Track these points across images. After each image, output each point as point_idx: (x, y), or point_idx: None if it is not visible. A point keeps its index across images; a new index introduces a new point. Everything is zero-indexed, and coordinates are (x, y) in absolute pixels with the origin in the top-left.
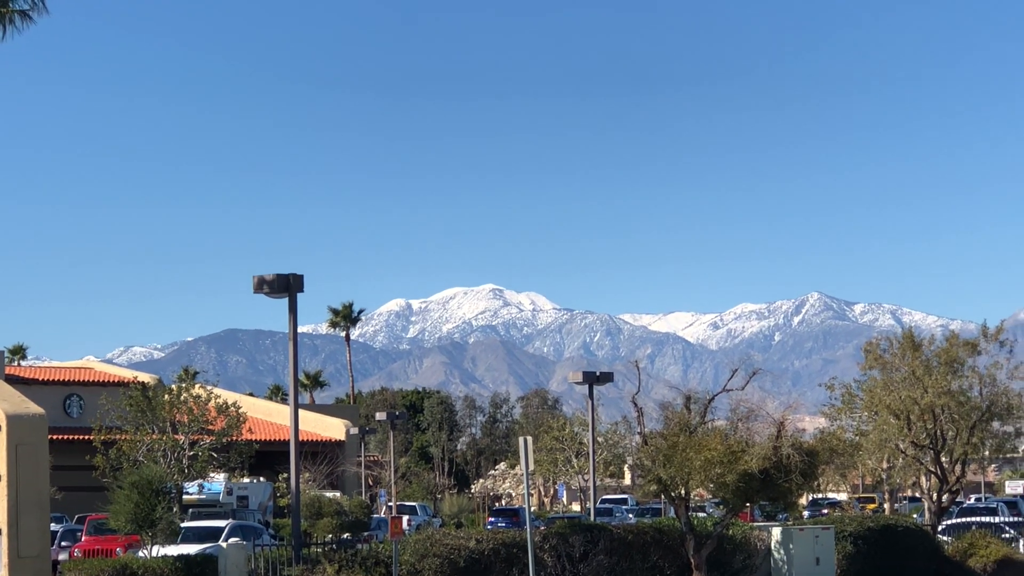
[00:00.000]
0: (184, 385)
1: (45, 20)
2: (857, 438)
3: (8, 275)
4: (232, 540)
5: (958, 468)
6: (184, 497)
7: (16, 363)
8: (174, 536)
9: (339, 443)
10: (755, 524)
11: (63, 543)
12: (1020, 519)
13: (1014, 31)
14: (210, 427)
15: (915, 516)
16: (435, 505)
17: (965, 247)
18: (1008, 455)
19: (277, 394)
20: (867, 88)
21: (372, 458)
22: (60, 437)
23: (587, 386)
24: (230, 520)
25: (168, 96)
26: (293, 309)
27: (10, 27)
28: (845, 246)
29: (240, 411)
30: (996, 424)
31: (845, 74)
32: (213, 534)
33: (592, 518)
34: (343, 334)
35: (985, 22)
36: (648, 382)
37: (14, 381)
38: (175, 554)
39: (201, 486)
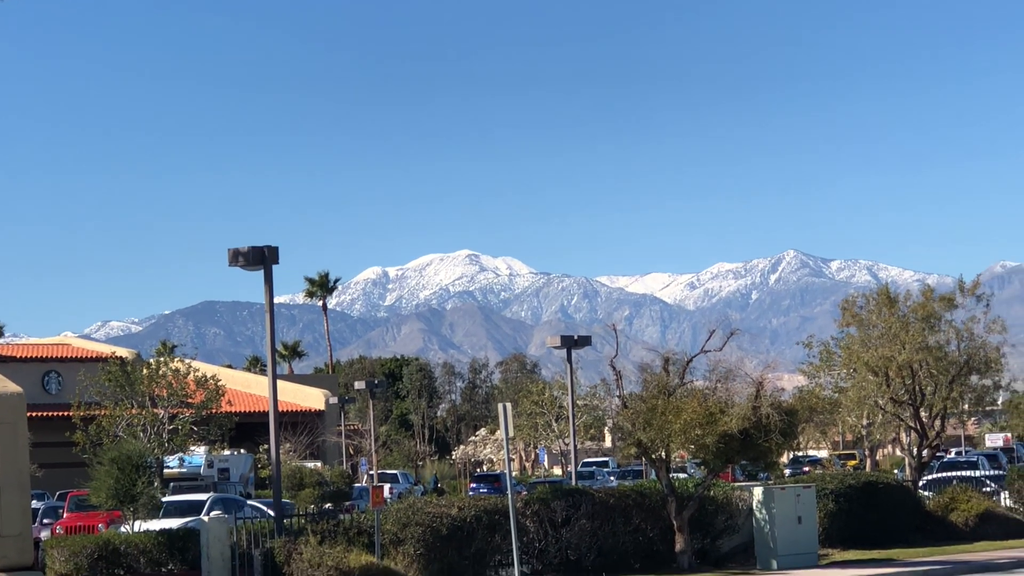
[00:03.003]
0: (163, 359)
1: None
2: (836, 396)
3: None
4: (214, 513)
5: (938, 423)
6: (165, 471)
7: None
8: (156, 511)
9: (319, 413)
10: (736, 484)
11: (45, 520)
12: (1000, 472)
13: None
14: (189, 400)
15: (896, 472)
16: (416, 472)
17: (941, 202)
18: (987, 408)
19: (256, 365)
20: (838, 44)
21: (352, 427)
22: (39, 414)
23: (565, 350)
24: (211, 493)
25: (141, 67)
26: (269, 281)
27: None
28: (820, 203)
29: (219, 384)
30: (974, 378)
31: (816, 26)
32: (195, 507)
33: (574, 482)
34: (320, 304)
35: None
36: (626, 344)
37: None
38: (157, 528)
39: (182, 460)
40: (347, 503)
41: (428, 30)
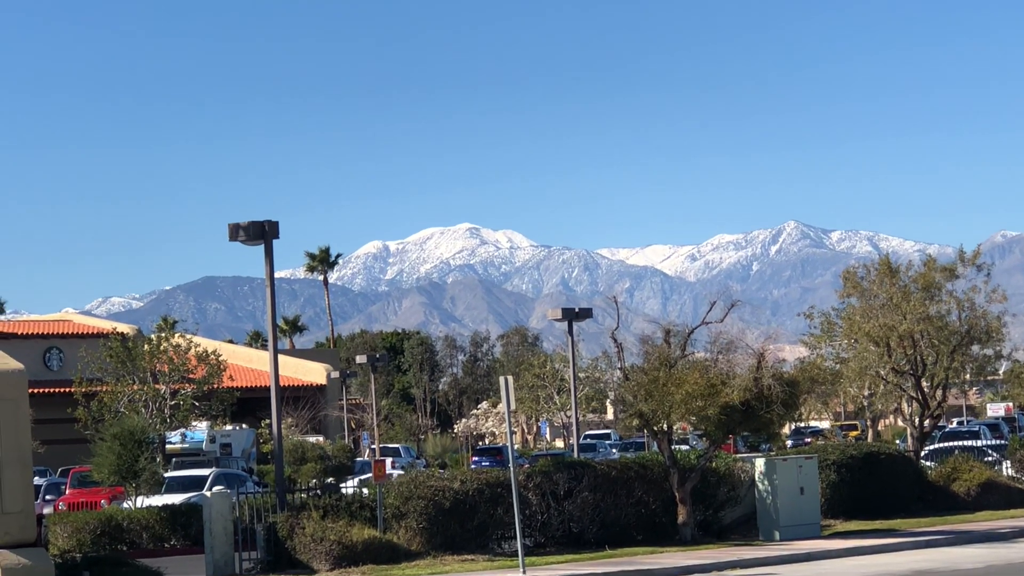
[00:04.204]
0: (164, 334)
1: None
2: (837, 366)
3: None
4: (216, 488)
5: (939, 393)
6: (167, 447)
7: None
8: (158, 486)
9: (320, 387)
10: (738, 456)
11: (47, 497)
12: (1002, 442)
13: None
14: (191, 376)
15: (898, 442)
16: (418, 446)
17: (941, 172)
18: (988, 378)
19: (257, 340)
20: (839, 17)
21: (354, 401)
22: (41, 391)
23: (566, 323)
24: (214, 468)
25: (140, 43)
26: (269, 255)
27: None
28: (820, 173)
29: (220, 359)
30: (976, 348)
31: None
32: (197, 483)
33: (576, 454)
34: (321, 278)
35: None
36: (628, 316)
37: None
38: (160, 504)
39: (184, 435)
40: (349, 477)
41: (429, 6)
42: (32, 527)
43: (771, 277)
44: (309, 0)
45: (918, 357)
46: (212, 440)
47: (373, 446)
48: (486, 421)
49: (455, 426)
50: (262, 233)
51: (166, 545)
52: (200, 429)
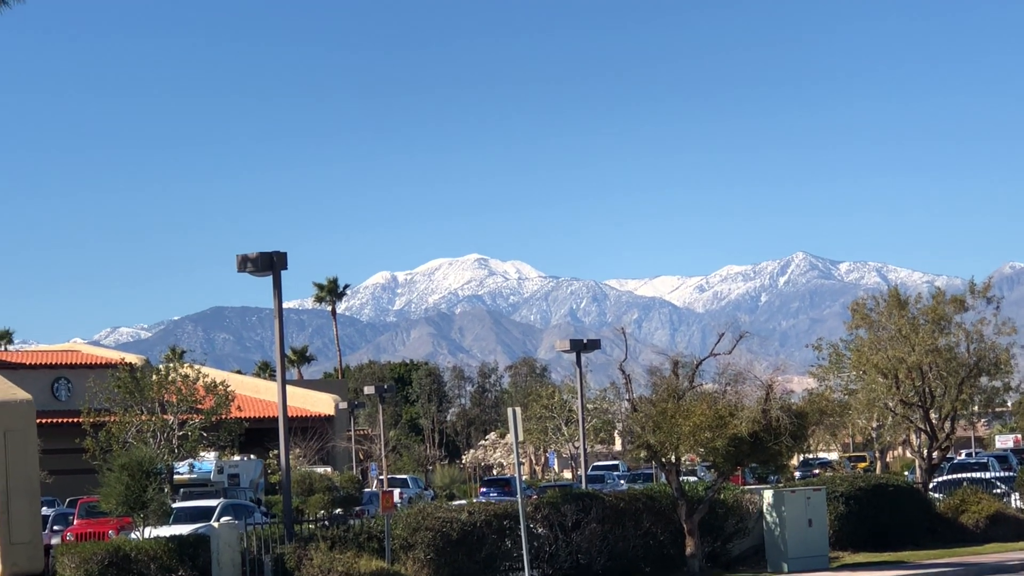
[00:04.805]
0: (172, 365)
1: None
2: (846, 398)
3: None
4: (224, 519)
5: (947, 425)
6: (175, 477)
7: (3, 348)
8: (166, 517)
9: (328, 418)
10: (746, 487)
11: (55, 527)
12: (1011, 474)
13: None
14: (199, 406)
15: (906, 474)
16: (427, 477)
17: (950, 203)
18: (997, 410)
19: (265, 371)
20: (848, 44)
21: (362, 432)
22: (49, 421)
23: (575, 354)
24: (221, 499)
25: (147, 76)
26: (277, 287)
27: None
28: (829, 205)
29: (228, 389)
30: (984, 380)
31: (826, 30)
32: (205, 513)
33: (584, 485)
34: (329, 309)
35: None
36: (636, 347)
37: (1, 367)
38: (168, 535)
39: (191, 465)
40: (357, 508)
41: (436, 37)
42: (40, 558)
43: (779, 308)
44: (320, 31)
45: (926, 389)
46: (220, 471)
47: (381, 477)
48: (494, 452)
49: (463, 457)
50: (270, 264)
51: None
52: (208, 460)
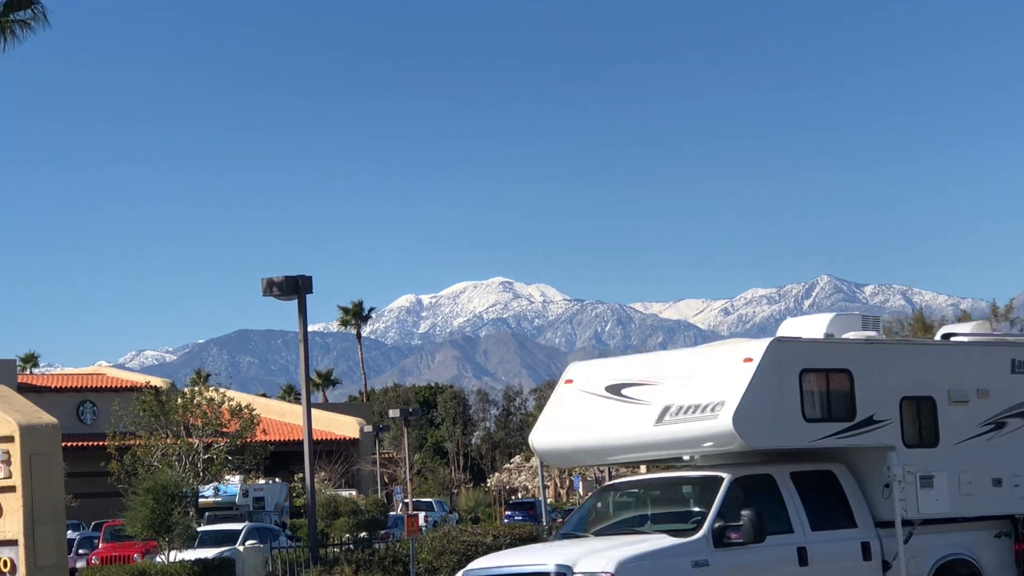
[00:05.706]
0: (197, 388)
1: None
2: None
3: (18, 283)
4: (249, 543)
5: None
6: (200, 500)
7: (28, 371)
8: (191, 540)
9: (353, 441)
10: None
11: (80, 551)
12: None
13: None
14: (224, 429)
15: None
16: (451, 500)
17: (974, 226)
18: None
19: (290, 394)
20: (873, 69)
21: (387, 455)
22: (74, 444)
23: None
24: (246, 522)
25: (171, 95)
26: (303, 311)
27: (11, 38)
28: (853, 227)
29: (254, 412)
30: None
31: (851, 56)
32: (230, 537)
33: None
34: (354, 332)
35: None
36: None
37: (26, 390)
38: (193, 558)
39: (217, 489)
40: (382, 532)
41: (456, 61)
42: None
43: None
44: (349, 56)
45: None
46: (245, 494)
47: (406, 500)
48: (519, 475)
49: (488, 480)
50: (296, 288)
51: None
52: (233, 483)
